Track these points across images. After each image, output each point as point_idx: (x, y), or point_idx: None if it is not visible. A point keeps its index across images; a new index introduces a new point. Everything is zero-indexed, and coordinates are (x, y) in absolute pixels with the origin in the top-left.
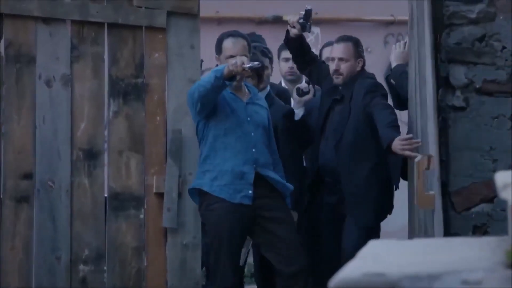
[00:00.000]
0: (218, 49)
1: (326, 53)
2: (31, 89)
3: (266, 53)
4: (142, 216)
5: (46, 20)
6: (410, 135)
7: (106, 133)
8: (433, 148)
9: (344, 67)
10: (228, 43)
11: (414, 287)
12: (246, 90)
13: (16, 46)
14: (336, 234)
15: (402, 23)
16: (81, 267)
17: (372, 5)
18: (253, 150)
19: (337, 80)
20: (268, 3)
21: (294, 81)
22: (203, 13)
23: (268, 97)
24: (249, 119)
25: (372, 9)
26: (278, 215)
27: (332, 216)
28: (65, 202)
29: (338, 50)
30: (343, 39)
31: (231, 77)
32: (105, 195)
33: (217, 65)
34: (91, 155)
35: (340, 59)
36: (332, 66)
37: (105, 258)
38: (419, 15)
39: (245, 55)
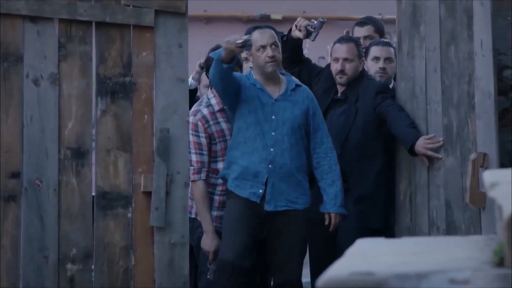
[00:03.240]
0: (248, 45)
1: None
2: (19, 88)
3: None
4: (130, 215)
5: (34, 19)
6: (433, 134)
7: (93, 132)
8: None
9: (348, 67)
10: (256, 35)
11: (402, 286)
12: (283, 84)
13: (3, 44)
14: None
15: (390, 22)
16: (69, 266)
17: (360, 4)
18: (271, 149)
19: (341, 80)
20: (256, 2)
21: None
22: (191, 11)
23: None
24: (273, 117)
25: (360, 8)
26: (282, 226)
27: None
28: (53, 201)
29: (342, 50)
30: (346, 39)
31: (231, 58)
32: (93, 194)
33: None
34: (79, 154)
35: (345, 59)
36: (336, 66)
37: (93, 257)
38: None
39: (275, 43)
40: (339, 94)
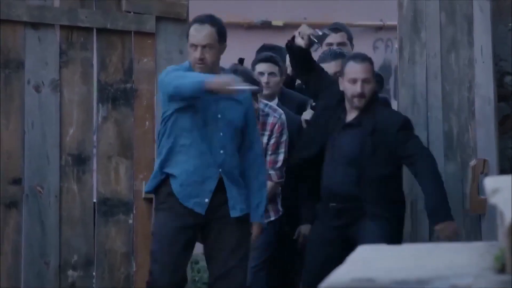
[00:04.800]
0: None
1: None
2: (20, 94)
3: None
4: (131, 221)
5: (35, 25)
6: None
7: (95, 138)
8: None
9: (368, 89)
10: (191, 30)
11: None
12: None
13: (4, 51)
14: (336, 255)
15: (391, 28)
16: (70, 272)
17: (361, 10)
18: (221, 152)
19: (360, 104)
20: (257, 9)
21: (270, 96)
22: (192, 18)
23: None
24: (219, 116)
25: (361, 14)
26: (226, 226)
27: (337, 237)
28: (54, 207)
29: (361, 70)
30: (361, 57)
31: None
32: (94, 200)
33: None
34: (80, 160)
35: (365, 81)
36: (355, 89)
37: (94, 264)
38: None
39: (209, 45)
40: (348, 117)
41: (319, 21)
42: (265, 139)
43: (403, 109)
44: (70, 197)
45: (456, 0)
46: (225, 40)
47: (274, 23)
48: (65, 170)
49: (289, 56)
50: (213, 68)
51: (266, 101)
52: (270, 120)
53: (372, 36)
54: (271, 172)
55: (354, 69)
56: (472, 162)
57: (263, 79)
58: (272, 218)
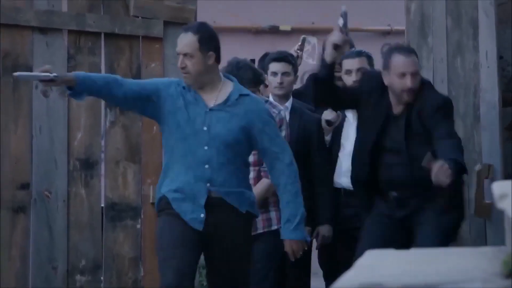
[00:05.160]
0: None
1: (347, 65)
2: (28, 99)
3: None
4: (139, 226)
5: (43, 30)
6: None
7: (102, 143)
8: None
9: (417, 83)
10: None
11: None
12: (225, 91)
13: (13, 56)
14: (395, 239)
15: (399, 33)
16: (78, 277)
17: (369, 15)
18: (205, 166)
19: (410, 98)
20: (265, 14)
21: (284, 96)
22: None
23: (294, 109)
24: (205, 128)
25: (369, 19)
26: (229, 246)
27: (401, 227)
28: (62, 212)
29: (410, 64)
30: (407, 50)
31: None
32: (102, 205)
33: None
34: (88, 165)
35: (414, 74)
36: (405, 83)
37: (102, 269)
38: None
39: (190, 54)
40: (394, 110)
41: (327, 26)
42: None
43: None
44: (78, 202)
45: (461, 5)
46: (209, 49)
47: (282, 27)
48: (73, 174)
49: (314, 91)
50: (201, 77)
51: (266, 98)
52: None
53: (380, 41)
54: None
55: (401, 63)
56: (477, 167)
57: (277, 79)
58: (275, 227)
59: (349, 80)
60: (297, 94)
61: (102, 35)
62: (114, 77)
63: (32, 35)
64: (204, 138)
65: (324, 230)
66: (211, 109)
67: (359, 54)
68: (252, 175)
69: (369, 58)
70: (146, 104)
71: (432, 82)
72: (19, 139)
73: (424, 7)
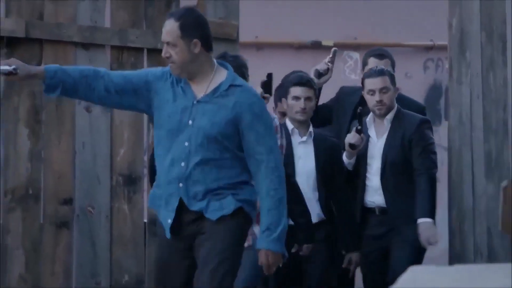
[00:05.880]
0: None
1: (370, 85)
2: (71, 114)
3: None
4: None
5: (86, 46)
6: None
7: (145, 158)
8: None
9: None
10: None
11: None
12: (216, 81)
13: None
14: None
15: (442, 48)
16: None
17: (411, 30)
18: (182, 164)
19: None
20: (307, 29)
21: (305, 121)
22: (242, 38)
23: (317, 135)
24: (190, 122)
25: (411, 34)
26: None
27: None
28: (105, 227)
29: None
30: (379, 71)
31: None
32: (145, 220)
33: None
34: (131, 181)
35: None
36: (374, 99)
37: (145, 284)
38: None
39: (171, 43)
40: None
41: (369, 41)
42: None
43: (452, 129)
44: (121, 217)
45: (493, 19)
46: (193, 36)
47: (325, 43)
48: (116, 190)
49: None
50: (187, 66)
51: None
52: None
53: (423, 56)
54: None
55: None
56: (504, 183)
57: (299, 105)
58: None
59: (372, 100)
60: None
61: (145, 51)
62: (94, 69)
63: (75, 50)
64: (187, 133)
65: (357, 257)
66: (198, 101)
67: (382, 73)
68: None
69: (391, 77)
70: (134, 99)
71: (469, 98)
72: (62, 154)
73: (463, 23)
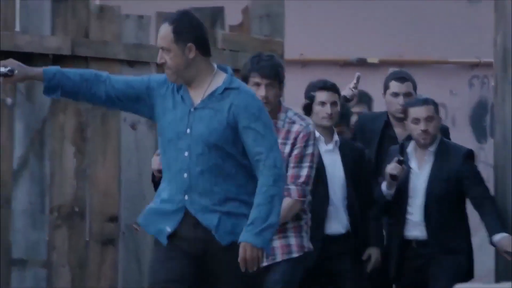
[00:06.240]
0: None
1: (414, 113)
2: (116, 132)
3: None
4: None
5: (131, 63)
6: None
7: None
8: None
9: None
10: None
11: None
12: (213, 85)
13: None
14: None
15: (487, 65)
16: None
17: (456, 47)
18: (184, 175)
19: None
20: (352, 46)
21: (331, 127)
22: (287, 55)
23: (343, 142)
24: (188, 131)
25: (456, 51)
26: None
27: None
28: (151, 245)
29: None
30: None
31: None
32: None
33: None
34: None
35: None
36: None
37: None
38: None
39: (165, 48)
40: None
41: (414, 58)
42: (287, 149)
43: (497, 147)
44: None
45: None
46: (187, 40)
47: (370, 60)
48: None
49: None
50: (183, 72)
51: (295, 111)
52: (295, 128)
53: (468, 73)
54: (292, 187)
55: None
56: None
57: (326, 110)
58: (295, 255)
59: (417, 129)
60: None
61: None
62: (96, 73)
63: (120, 67)
64: (186, 142)
65: (376, 253)
66: (195, 108)
67: (426, 102)
68: None
69: (436, 106)
70: (136, 105)
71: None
72: (108, 172)
73: (506, 40)
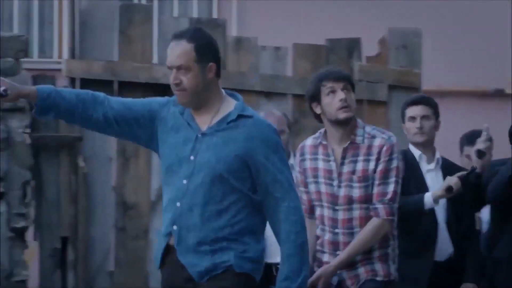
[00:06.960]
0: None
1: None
2: None
3: None
4: None
5: (268, 94)
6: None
7: None
8: None
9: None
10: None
11: None
12: (223, 112)
13: None
14: None
15: None
16: None
17: None
18: (177, 204)
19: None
20: (490, 76)
21: (426, 144)
22: (425, 86)
23: (445, 163)
24: (192, 157)
25: None
26: None
27: None
28: None
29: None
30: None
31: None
32: None
33: None
34: None
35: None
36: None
37: None
38: None
39: (180, 67)
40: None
41: None
42: (371, 165)
43: None
44: None
45: None
46: (209, 60)
47: (508, 91)
48: None
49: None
50: (198, 94)
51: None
52: (377, 142)
53: None
54: (379, 205)
55: None
56: None
57: (415, 124)
58: (380, 279)
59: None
60: None
61: None
62: (93, 93)
63: (257, 99)
64: (188, 169)
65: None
66: (203, 134)
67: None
68: (357, 214)
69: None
70: (134, 128)
71: None
72: None
73: None
